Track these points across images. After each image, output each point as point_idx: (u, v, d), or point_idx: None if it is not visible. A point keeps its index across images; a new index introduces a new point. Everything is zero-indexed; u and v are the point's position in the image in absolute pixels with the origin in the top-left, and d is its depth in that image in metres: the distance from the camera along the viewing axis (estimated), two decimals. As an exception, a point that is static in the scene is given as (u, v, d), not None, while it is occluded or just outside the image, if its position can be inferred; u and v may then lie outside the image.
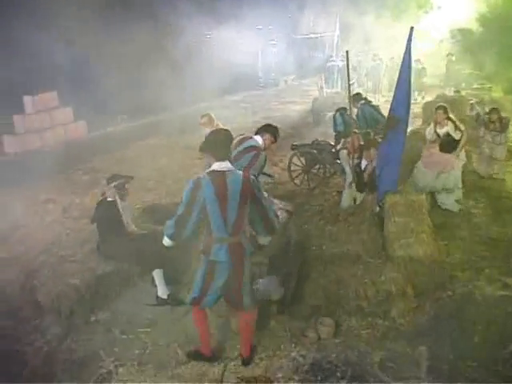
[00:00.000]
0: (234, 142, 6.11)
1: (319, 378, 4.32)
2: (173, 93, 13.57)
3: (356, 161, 6.90)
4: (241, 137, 6.06)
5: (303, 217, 6.83)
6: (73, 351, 4.86)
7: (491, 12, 20.64)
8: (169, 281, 5.54)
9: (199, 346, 4.63)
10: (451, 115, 7.39)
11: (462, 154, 7.44)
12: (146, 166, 10.02)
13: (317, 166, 9.05)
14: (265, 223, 4.32)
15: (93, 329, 5.21)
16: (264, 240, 4.55)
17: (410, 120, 6.78)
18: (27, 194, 8.42)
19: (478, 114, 9.90)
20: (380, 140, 6.58)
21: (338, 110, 9.16)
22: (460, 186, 7.34)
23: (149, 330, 4.99)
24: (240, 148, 5.80)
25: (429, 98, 15.62)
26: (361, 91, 11.66)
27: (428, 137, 7.51)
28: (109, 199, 5.69)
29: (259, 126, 6.11)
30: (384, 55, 18.56)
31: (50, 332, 5.13)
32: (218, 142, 4.22)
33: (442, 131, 7.34)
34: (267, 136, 5.84)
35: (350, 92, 6.48)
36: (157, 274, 5.48)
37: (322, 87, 16.63)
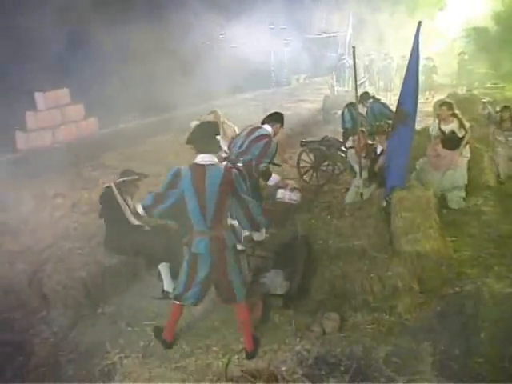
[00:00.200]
0: (244, 132, 6.21)
1: (323, 372, 4.31)
2: (184, 91, 13.58)
3: (363, 160, 6.86)
4: (250, 127, 6.20)
5: (311, 212, 6.82)
6: (79, 343, 4.90)
7: (506, 10, 20.46)
8: (175, 275, 5.54)
9: (164, 328, 4.75)
10: (457, 111, 7.29)
11: (466, 151, 7.33)
12: (156, 162, 10.04)
13: (326, 163, 9.03)
14: (247, 219, 4.32)
15: (99, 321, 5.25)
16: (258, 236, 4.57)
17: (420, 118, 6.78)
18: (38, 189, 8.48)
19: (489, 113, 9.81)
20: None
21: (346, 106, 9.13)
22: (466, 182, 7.31)
23: (154, 322, 5.00)
24: (251, 137, 6.00)
25: (441, 97, 15.49)
26: (372, 90, 11.64)
27: (432, 133, 7.43)
28: (104, 185, 5.71)
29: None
30: (395, 54, 18.45)
31: (56, 324, 5.18)
32: (202, 136, 4.27)
33: (446, 128, 7.24)
34: (276, 125, 6.12)
35: (356, 88, 6.45)
36: (163, 268, 5.51)
37: (333, 86, 16.59)
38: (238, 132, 6.74)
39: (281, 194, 6.06)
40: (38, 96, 12.10)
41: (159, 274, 5.55)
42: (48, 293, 5.41)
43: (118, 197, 5.62)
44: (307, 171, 9.02)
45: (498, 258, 5.93)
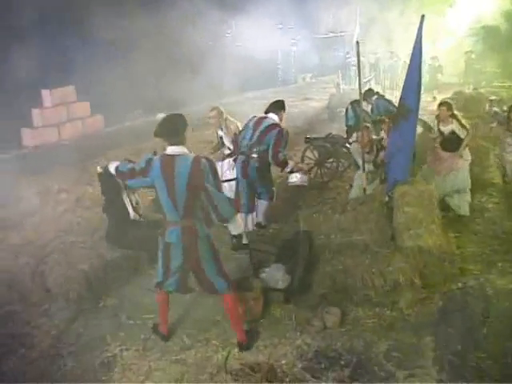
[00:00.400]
0: (250, 123, 6.24)
1: (323, 366, 4.29)
2: (190, 89, 13.63)
3: (367, 155, 6.83)
4: (255, 118, 6.21)
5: (314, 208, 6.81)
6: (79, 335, 4.91)
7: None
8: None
9: (159, 323, 4.79)
10: (456, 112, 7.06)
11: (466, 154, 7.04)
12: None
13: (330, 160, 9.00)
14: (214, 210, 4.28)
15: (100, 314, 5.26)
16: (234, 230, 4.56)
17: (427, 117, 6.69)
18: (42, 184, 8.54)
19: (495, 112, 9.75)
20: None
21: (350, 103, 9.11)
22: (469, 187, 7.08)
23: (155, 315, 5.00)
24: (261, 128, 6.13)
25: (447, 96, 15.42)
26: (378, 89, 11.59)
27: (431, 135, 7.17)
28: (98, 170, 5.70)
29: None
30: (402, 52, 18.35)
31: (58, 316, 5.19)
32: (170, 128, 4.27)
33: (445, 129, 6.96)
34: (280, 112, 6.34)
35: (360, 84, 6.43)
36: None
37: (338, 84, 16.53)
38: (240, 128, 6.73)
39: (294, 177, 6.33)
40: (45, 93, 12.19)
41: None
42: (50, 286, 5.43)
43: (123, 190, 5.65)
44: (311, 168, 9.00)
45: (501, 255, 5.91)
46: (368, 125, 7.18)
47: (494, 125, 8.72)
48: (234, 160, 6.42)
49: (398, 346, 4.50)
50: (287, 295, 5.21)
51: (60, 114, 12.37)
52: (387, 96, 10.84)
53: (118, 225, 5.65)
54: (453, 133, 6.91)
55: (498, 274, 5.47)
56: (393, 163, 5.97)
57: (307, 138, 9.17)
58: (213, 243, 4.44)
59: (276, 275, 5.25)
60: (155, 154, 4.58)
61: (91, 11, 11.93)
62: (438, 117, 7.08)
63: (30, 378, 4.33)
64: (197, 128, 12.43)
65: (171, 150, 4.24)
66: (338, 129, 10.90)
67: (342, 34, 24.26)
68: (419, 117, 6.07)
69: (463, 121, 6.98)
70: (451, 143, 6.92)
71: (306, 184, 6.42)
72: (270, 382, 4.06)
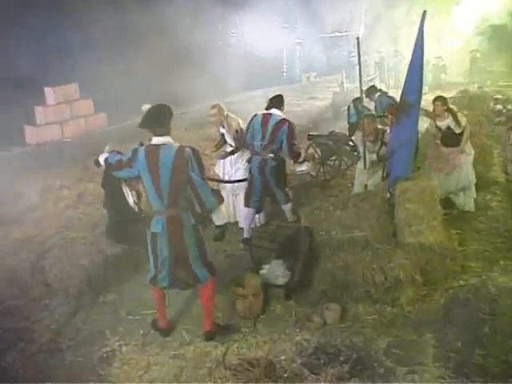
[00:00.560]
0: (256, 123, 6.24)
1: (322, 362, 4.27)
2: (194, 87, 13.63)
3: (371, 144, 6.76)
4: (259, 117, 6.22)
5: (315, 204, 6.77)
6: (79, 330, 4.92)
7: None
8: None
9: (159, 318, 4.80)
10: (451, 106, 6.92)
11: (469, 148, 6.92)
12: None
13: (333, 158, 8.97)
14: (197, 201, 4.29)
15: (100, 309, 5.27)
16: (218, 220, 4.54)
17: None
18: (45, 181, 8.55)
19: (500, 111, 9.71)
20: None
21: (352, 101, 9.08)
22: (474, 182, 7.00)
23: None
24: (270, 127, 6.18)
25: (451, 95, 15.36)
26: (383, 87, 11.55)
27: (431, 131, 7.08)
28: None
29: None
30: (407, 51, 18.30)
31: (58, 311, 5.20)
32: (155, 119, 4.28)
33: (442, 124, 6.83)
34: (281, 106, 6.38)
35: (361, 81, 6.40)
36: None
37: (342, 83, 16.48)
38: (241, 125, 6.71)
39: (304, 166, 6.49)
40: (48, 91, 12.20)
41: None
42: (50, 281, 5.44)
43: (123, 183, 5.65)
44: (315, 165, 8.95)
45: (504, 253, 5.88)
46: (373, 113, 7.11)
47: (501, 119, 8.62)
48: (248, 161, 6.45)
49: (398, 342, 4.48)
50: (287, 291, 5.20)
51: (63, 112, 12.37)
52: (391, 94, 10.77)
53: (117, 220, 5.64)
54: (449, 128, 6.79)
55: (500, 271, 5.45)
56: (394, 159, 5.94)
57: (310, 135, 9.16)
58: (199, 232, 4.46)
59: (276, 271, 5.24)
60: (141, 144, 4.57)
61: (96, 9, 11.96)
62: (433, 112, 6.92)
63: (29, 372, 4.33)
64: (200, 126, 12.48)
65: (156, 140, 4.26)
66: (342, 127, 10.86)
67: (347, 33, 24.22)
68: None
69: (459, 115, 6.80)
70: (451, 138, 6.83)
71: (313, 172, 6.63)
72: (268, 377, 4.04)
